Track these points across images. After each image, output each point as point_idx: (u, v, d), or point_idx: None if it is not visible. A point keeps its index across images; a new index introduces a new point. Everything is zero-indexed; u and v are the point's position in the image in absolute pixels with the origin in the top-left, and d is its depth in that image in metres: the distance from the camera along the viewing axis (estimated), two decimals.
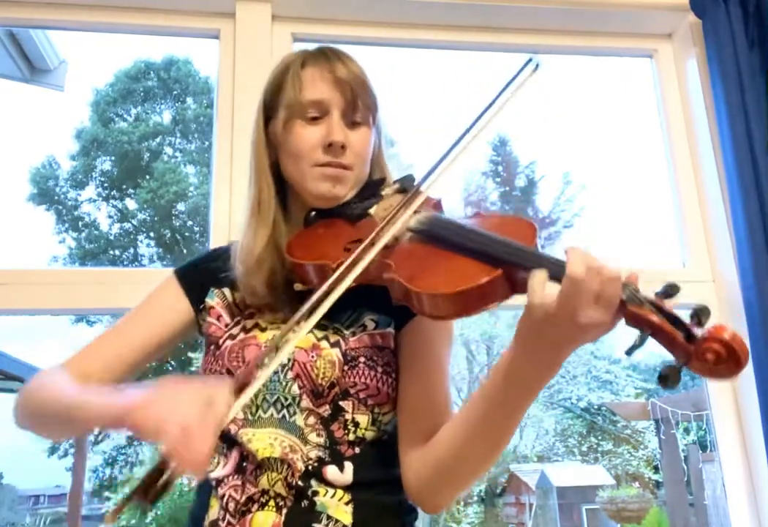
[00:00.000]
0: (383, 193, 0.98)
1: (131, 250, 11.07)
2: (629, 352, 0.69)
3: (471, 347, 10.20)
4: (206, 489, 0.92)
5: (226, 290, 1.01)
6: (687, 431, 7.12)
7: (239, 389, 0.78)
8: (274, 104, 1.01)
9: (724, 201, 1.74)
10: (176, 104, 11.55)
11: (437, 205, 0.97)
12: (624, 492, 7.40)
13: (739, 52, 1.72)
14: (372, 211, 0.95)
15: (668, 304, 0.68)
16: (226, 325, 0.99)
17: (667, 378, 0.66)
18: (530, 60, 0.94)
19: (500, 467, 9.84)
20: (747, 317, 1.60)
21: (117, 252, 10.93)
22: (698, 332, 0.65)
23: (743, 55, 1.72)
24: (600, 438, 10.01)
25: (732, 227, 1.68)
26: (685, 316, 0.67)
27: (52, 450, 9.66)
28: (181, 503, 6.09)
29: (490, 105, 0.92)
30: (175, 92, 11.45)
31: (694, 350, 0.65)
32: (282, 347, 0.82)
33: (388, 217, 0.87)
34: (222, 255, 1.03)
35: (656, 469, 9.06)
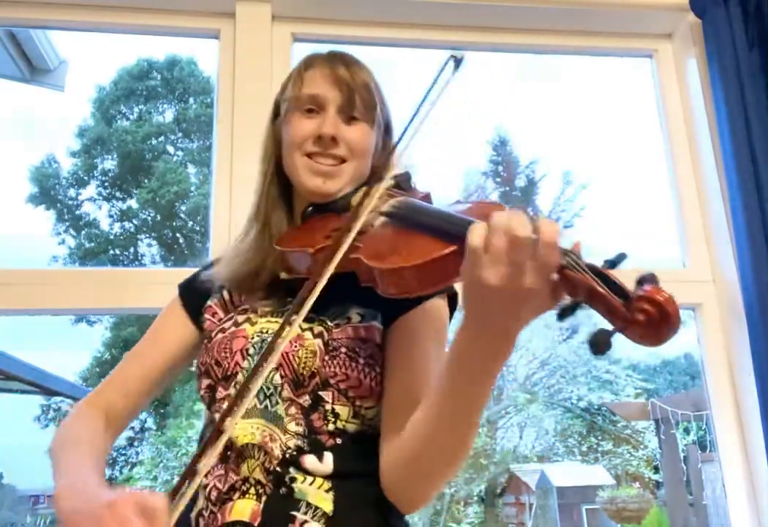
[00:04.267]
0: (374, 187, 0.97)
1: (132, 250, 11.06)
2: (561, 317, 0.64)
3: None
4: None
5: (225, 292, 1.04)
6: (687, 431, 7.11)
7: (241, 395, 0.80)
8: (280, 103, 1.06)
9: (724, 201, 1.74)
10: (179, 104, 11.54)
11: (425, 197, 0.97)
12: (624, 492, 7.38)
13: (739, 52, 1.72)
14: (353, 201, 0.96)
15: (611, 272, 0.64)
16: (220, 320, 1.01)
17: (597, 344, 0.62)
18: (451, 57, 0.93)
19: (500, 467, 9.84)
20: (747, 317, 1.60)
21: (117, 252, 10.92)
22: (634, 294, 0.62)
23: (743, 55, 1.72)
24: (600, 438, 10.00)
25: (732, 227, 1.68)
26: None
27: None
28: None
29: (417, 112, 0.92)
30: (177, 92, 11.44)
31: (630, 313, 0.61)
32: (283, 341, 0.83)
33: (363, 203, 0.89)
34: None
35: (656, 469, 9.05)
